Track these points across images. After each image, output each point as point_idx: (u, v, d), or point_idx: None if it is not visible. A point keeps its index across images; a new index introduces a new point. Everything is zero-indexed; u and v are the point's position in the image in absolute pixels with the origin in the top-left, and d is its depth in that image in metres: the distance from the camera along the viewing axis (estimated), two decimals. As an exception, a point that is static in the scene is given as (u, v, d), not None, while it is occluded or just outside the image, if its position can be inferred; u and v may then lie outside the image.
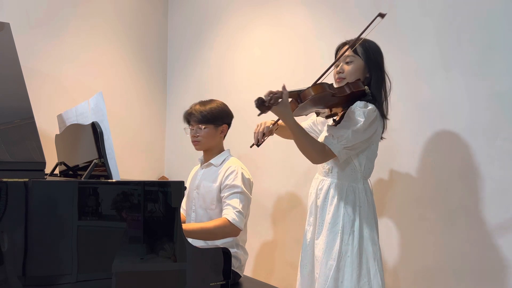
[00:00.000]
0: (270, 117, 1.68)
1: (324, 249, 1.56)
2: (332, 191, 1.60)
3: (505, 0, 1.70)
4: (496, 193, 1.70)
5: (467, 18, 1.80)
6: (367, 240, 1.56)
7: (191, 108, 2.07)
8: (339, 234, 1.55)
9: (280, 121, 1.64)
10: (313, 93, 1.49)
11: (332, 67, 1.62)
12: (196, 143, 2.05)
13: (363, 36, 1.54)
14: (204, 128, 2.01)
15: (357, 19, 2.18)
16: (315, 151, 1.52)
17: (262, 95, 1.43)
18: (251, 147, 1.71)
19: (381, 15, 1.54)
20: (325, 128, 1.68)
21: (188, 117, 2.06)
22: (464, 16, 1.81)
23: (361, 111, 1.50)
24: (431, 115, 1.90)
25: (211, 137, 2.03)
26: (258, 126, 1.72)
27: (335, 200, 1.58)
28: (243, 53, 2.84)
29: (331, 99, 1.56)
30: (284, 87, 1.46)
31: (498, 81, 1.71)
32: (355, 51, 1.58)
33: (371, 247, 1.56)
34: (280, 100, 1.44)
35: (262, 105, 1.41)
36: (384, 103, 1.61)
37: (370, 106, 1.52)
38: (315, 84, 1.52)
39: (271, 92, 1.43)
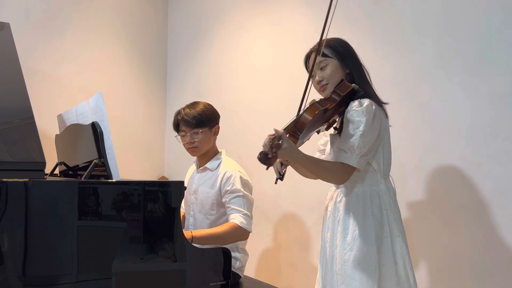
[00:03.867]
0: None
1: (360, 265, 1.41)
2: (354, 201, 1.47)
3: (505, 0, 1.70)
4: (496, 193, 1.70)
5: (467, 18, 1.80)
6: (401, 244, 1.44)
7: (180, 114, 1.98)
8: (375, 246, 1.41)
9: None
10: (310, 118, 1.39)
11: (310, 82, 1.51)
12: (194, 149, 1.97)
13: (327, 25, 1.45)
14: (201, 132, 1.94)
15: (357, 18, 2.19)
16: (337, 174, 1.42)
17: (261, 148, 1.33)
18: (275, 183, 1.53)
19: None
20: (328, 140, 1.59)
21: (181, 123, 1.96)
22: (464, 16, 1.81)
23: (358, 111, 1.41)
24: (431, 115, 1.90)
25: (208, 140, 1.97)
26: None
27: (360, 209, 1.45)
28: (243, 53, 2.84)
29: (326, 114, 1.45)
30: (276, 130, 1.34)
31: (498, 81, 1.71)
32: (323, 54, 1.50)
33: (406, 249, 1.44)
34: (281, 142, 1.32)
35: (267, 159, 1.30)
36: (373, 90, 1.52)
37: (366, 102, 1.42)
38: (306, 108, 1.41)
39: (268, 142, 1.33)
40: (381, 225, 1.44)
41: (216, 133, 2.02)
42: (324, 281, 1.55)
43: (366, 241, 1.42)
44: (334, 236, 1.50)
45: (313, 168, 1.44)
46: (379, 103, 1.48)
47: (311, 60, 1.55)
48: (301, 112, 1.41)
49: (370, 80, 1.55)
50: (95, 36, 3.05)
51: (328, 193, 1.63)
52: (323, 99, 1.47)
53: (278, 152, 1.30)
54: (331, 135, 1.56)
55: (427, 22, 1.92)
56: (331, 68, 1.50)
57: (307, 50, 2.45)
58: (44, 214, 1.29)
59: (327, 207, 1.59)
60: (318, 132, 1.59)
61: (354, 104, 1.43)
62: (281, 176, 1.48)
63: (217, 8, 3.08)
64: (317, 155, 1.72)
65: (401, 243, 1.44)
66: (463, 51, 1.81)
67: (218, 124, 2.02)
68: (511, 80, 1.68)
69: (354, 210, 1.46)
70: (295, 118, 1.40)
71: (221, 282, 1.59)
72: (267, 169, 1.39)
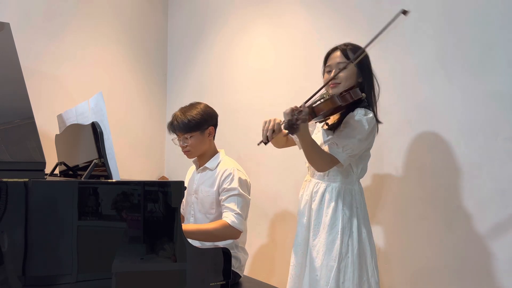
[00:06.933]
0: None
1: (324, 250, 1.58)
2: (328, 193, 1.63)
3: (505, 0, 1.70)
4: (496, 193, 1.70)
5: (467, 18, 1.80)
6: (365, 240, 1.61)
7: (172, 118, 2.00)
8: (339, 236, 1.57)
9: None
10: (328, 107, 1.52)
11: (325, 76, 1.67)
12: (187, 153, 2.00)
13: (383, 33, 1.52)
14: (191, 137, 1.95)
15: (357, 19, 2.18)
16: (324, 162, 1.56)
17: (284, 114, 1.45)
18: (258, 144, 1.63)
19: (404, 12, 1.47)
20: (320, 133, 1.71)
21: (172, 128, 2.00)
22: (464, 16, 1.81)
23: (364, 119, 1.55)
24: (431, 115, 1.90)
25: (200, 143, 1.98)
26: (266, 122, 1.60)
27: (333, 202, 1.61)
28: (243, 53, 2.84)
29: (336, 109, 1.58)
30: (304, 106, 1.46)
31: (498, 81, 1.71)
32: (347, 57, 1.60)
33: (369, 246, 1.61)
34: (306, 117, 1.46)
35: (293, 128, 1.41)
36: (375, 107, 1.65)
37: (370, 114, 1.57)
38: (327, 98, 1.53)
39: (294, 110, 1.44)
40: (350, 220, 1.59)
41: (211, 134, 2.01)
42: (295, 260, 1.69)
43: (332, 232, 1.58)
44: (310, 222, 1.66)
45: (310, 149, 1.55)
46: (377, 120, 1.63)
47: (333, 55, 1.65)
48: (321, 100, 1.53)
49: (378, 97, 1.66)
50: (95, 36, 3.05)
51: (303, 182, 1.77)
52: (339, 96, 1.55)
53: (301, 125, 1.43)
54: (323, 129, 1.68)
55: (427, 22, 1.92)
56: (349, 72, 1.60)
57: (307, 50, 2.46)
58: (44, 214, 1.29)
59: (302, 195, 1.73)
60: (315, 121, 1.74)
61: (361, 112, 1.57)
62: (267, 142, 1.59)
63: (217, 8, 3.08)
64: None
65: (367, 240, 1.60)
66: (463, 51, 1.81)
67: (212, 125, 2.01)
68: (511, 80, 1.68)
69: (328, 202, 1.62)
70: (312, 102, 1.52)
71: (221, 282, 1.59)
72: (266, 143, 1.55)
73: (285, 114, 1.45)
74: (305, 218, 1.68)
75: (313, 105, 1.53)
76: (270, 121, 1.58)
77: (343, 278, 1.55)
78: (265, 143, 1.60)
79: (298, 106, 1.46)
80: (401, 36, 2.01)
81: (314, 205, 1.65)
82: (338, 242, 1.56)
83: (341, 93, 1.56)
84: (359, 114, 1.57)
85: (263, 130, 1.59)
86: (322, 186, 1.65)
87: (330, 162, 1.56)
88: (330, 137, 1.63)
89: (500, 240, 1.69)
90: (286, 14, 2.57)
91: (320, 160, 1.56)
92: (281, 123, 1.53)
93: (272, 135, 1.56)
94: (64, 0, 2.88)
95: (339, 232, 1.57)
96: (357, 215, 1.61)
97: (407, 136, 1.97)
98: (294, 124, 1.41)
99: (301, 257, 1.67)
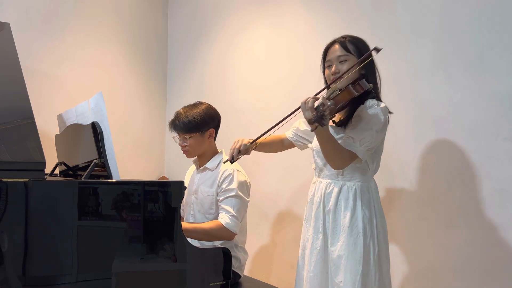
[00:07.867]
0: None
1: (346, 254, 1.49)
2: (345, 193, 1.54)
3: (505, 0, 1.70)
4: (496, 193, 1.70)
5: (467, 18, 1.80)
6: (383, 239, 1.55)
7: (174, 116, 1.99)
8: (361, 237, 1.49)
9: (259, 140, 1.65)
10: (345, 99, 1.44)
11: (326, 72, 1.60)
12: (186, 152, 1.99)
13: (355, 69, 1.49)
14: (190, 137, 1.94)
15: (357, 19, 2.19)
16: (342, 158, 1.48)
17: (306, 107, 1.36)
18: (224, 162, 1.73)
19: (376, 50, 1.45)
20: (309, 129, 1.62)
21: (173, 126, 1.98)
22: (464, 16, 1.81)
23: (379, 109, 1.48)
24: (431, 115, 1.90)
25: (199, 144, 1.97)
26: (235, 142, 1.67)
27: (350, 202, 1.52)
28: (243, 53, 2.84)
29: (350, 102, 1.50)
30: (324, 99, 1.37)
31: (498, 81, 1.71)
32: (347, 50, 1.54)
33: (384, 245, 1.55)
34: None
35: (322, 118, 1.31)
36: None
37: (382, 104, 1.51)
38: (343, 90, 1.44)
39: (314, 102, 1.35)
40: (370, 220, 1.52)
41: (211, 136, 2.00)
42: (314, 269, 1.58)
43: (353, 233, 1.50)
44: (326, 226, 1.57)
45: (329, 144, 1.46)
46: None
47: (332, 49, 1.58)
48: (336, 92, 1.45)
49: (380, 89, 1.61)
50: (95, 36, 3.05)
51: (311, 185, 1.68)
52: (353, 87, 1.46)
53: (327, 117, 1.33)
54: (331, 127, 1.58)
55: (427, 22, 1.92)
56: (350, 65, 1.53)
57: (307, 51, 2.46)
58: (44, 214, 1.29)
59: (312, 198, 1.64)
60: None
61: (374, 102, 1.51)
62: (232, 161, 1.68)
63: (217, 9, 3.08)
64: (287, 134, 1.84)
65: (383, 239, 1.55)
66: (463, 51, 1.81)
67: (213, 127, 1.99)
68: (511, 80, 1.68)
69: (345, 203, 1.53)
70: (328, 95, 1.44)
71: (221, 282, 1.59)
72: (312, 130, 1.41)
73: (306, 108, 1.36)
74: (321, 222, 1.58)
75: (332, 98, 1.43)
76: (238, 141, 1.68)
77: (365, 281, 1.48)
78: (231, 162, 1.68)
79: (312, 98, 1.37)
80: (401, 36, 2.01)
81: (329, 208, 1.56)
82: (360, 243, 1.48)
83: (352, 84, 1.46)
84: (372, 104, 1.50)
85: (230, 149, 1.68)
86: (336, 186, 1.56)
87: (349, 158, 1.47)
88: (341, 134, 1.55)
89: (500, 240, 1.69)
90: (286, 14, 2.57)
91: (339, 156, 1.47)
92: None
93: (238, 155, 1.66)
94: (64, 0, 2.88)
95: (361, 233, 1.49)
96: (375, 213, 1.53)
97: (407, 136, 1.97)
98: (324, 116, 1.30)
99: (321, 264, 1.57)
